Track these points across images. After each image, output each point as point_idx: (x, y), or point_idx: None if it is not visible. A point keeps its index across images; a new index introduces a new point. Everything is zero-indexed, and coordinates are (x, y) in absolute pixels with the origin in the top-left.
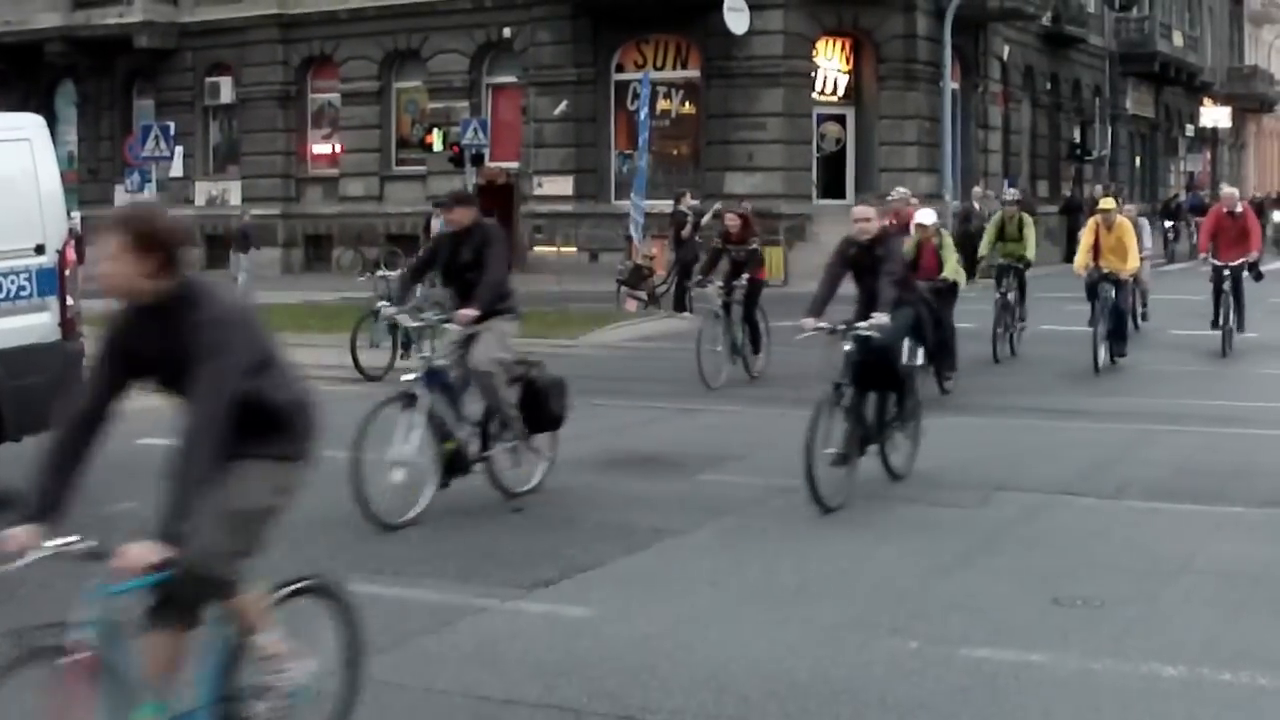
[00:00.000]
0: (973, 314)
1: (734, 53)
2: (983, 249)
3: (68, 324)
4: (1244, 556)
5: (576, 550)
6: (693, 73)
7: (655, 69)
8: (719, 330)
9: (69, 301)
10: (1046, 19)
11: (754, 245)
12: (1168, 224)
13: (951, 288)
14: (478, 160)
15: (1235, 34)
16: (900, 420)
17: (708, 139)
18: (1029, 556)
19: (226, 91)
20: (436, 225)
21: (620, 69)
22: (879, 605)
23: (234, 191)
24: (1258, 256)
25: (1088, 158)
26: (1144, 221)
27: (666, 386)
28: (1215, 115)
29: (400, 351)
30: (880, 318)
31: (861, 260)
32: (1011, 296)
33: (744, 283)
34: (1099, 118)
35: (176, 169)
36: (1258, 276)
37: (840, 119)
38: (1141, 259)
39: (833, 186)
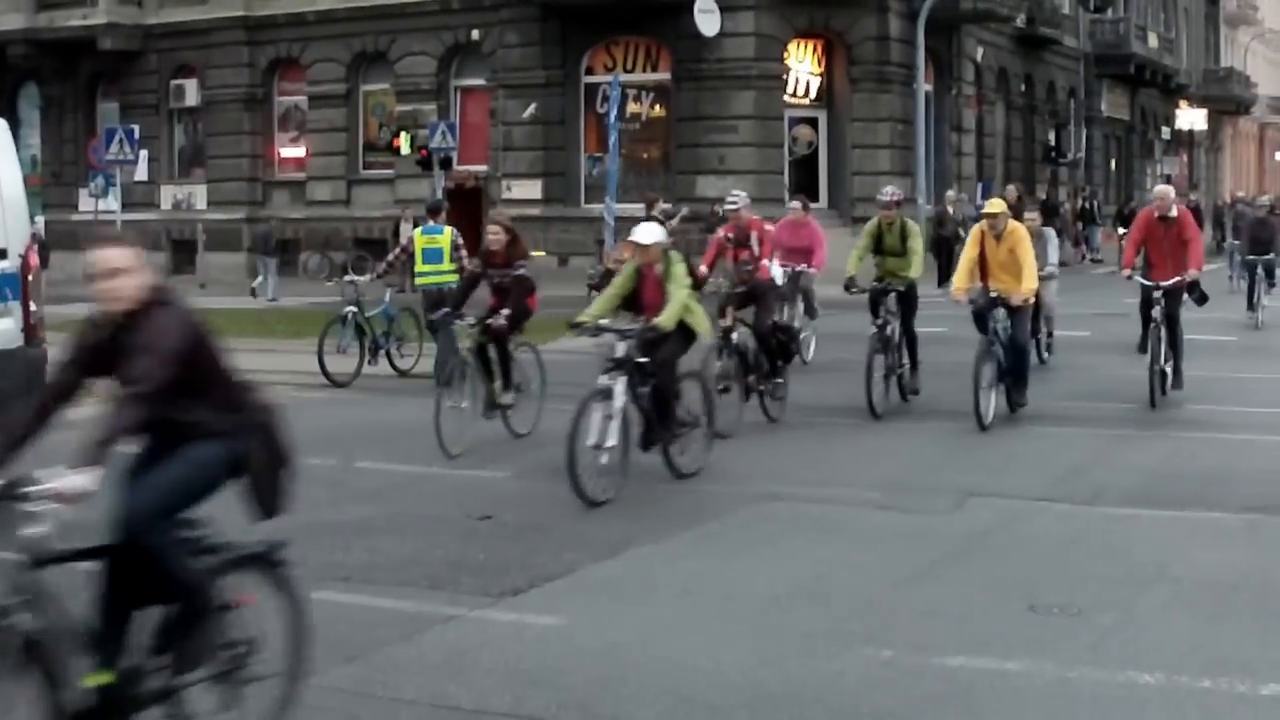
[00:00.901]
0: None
1: (705, 55)
2: (850, 265)
3: (31, 329)
4: (1221, 563)
5: (546, 559)
6: (663, 75)
7: (625, 71)
8: (463, 385)
9: (32, 307)
10: (1020, 20)
11: (520, 269)
12: (1121, 231)
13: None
14: (446, 163)
15: (1211, 36)
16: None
17: (678, 142)
18: (1004, 564)
19: (192, 94)
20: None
21: (590, 71)
22: (852, 614)
23: (199, 195)
24: (1197, 276)
25: (1062, 160)
26: (1049, 232)
27: None
28: (1191, 117)
29: (368, 357)
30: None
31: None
32: (892, 330)
33: (503, 319)
34: (1074, 120)
35: (141, 172)
36: (1200, 299)
37: (812, 122)
38: (1045, 277)
39: (805, 190)
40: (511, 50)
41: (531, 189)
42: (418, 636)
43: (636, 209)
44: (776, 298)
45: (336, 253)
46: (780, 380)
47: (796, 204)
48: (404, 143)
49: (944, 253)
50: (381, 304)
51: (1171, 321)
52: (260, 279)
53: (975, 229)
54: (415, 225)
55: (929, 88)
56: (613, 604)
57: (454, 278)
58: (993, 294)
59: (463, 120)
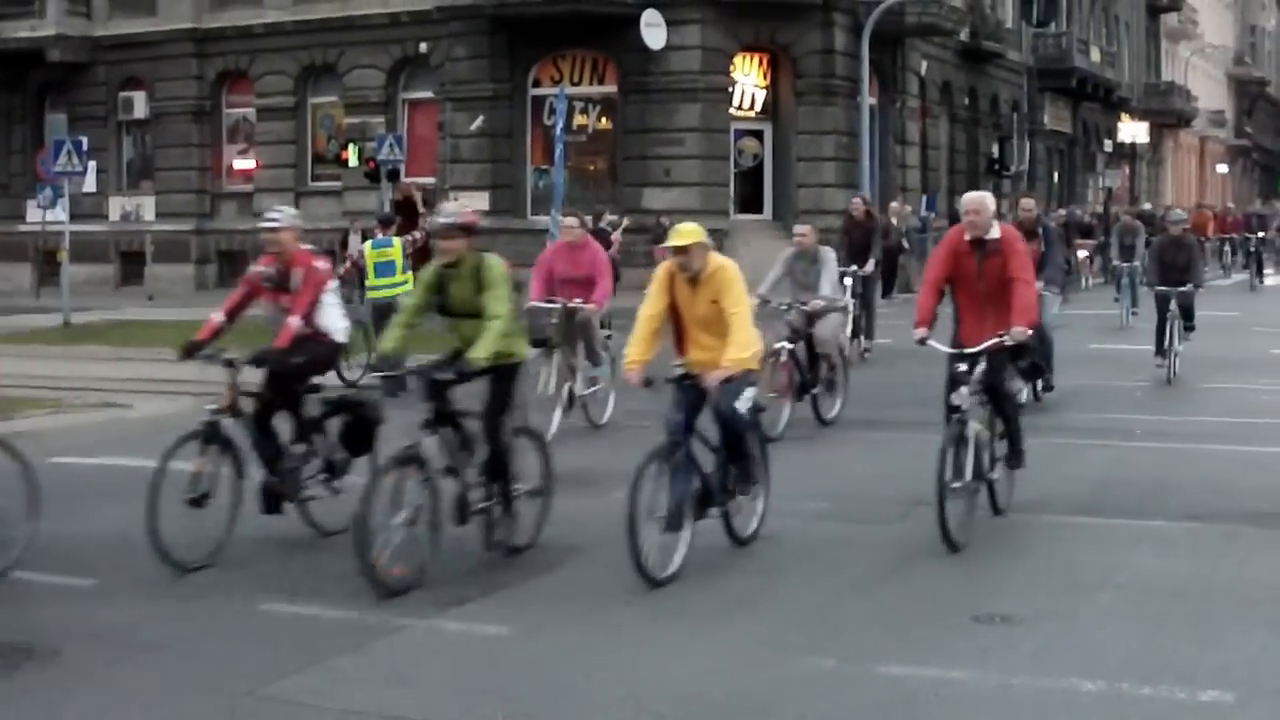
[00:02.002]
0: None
1: (651, 68)
2: (387, 340)
3: None
4: (1164, 571)
5: (494, 569)
6: (610, 88)
7: (572, 84)
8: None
9: None
10: (964, 34)
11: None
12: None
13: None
14: (393, 176)
15: (1152, 50)
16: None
17: (625, 154)
18: (948, 573)
19: (140, 106)
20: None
21: (537, 84)
22: (796, 623)
23: (148, 207)
24: (1024, 336)
25: (1006, 173)
26: (827, 252)
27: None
28: (1133, 130)
29: None
30: None
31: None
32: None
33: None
34: (1017, 133)
35: (89, 184)
36: (1030, 372)
37: (758, 134)
38: (825, 309)
39: (750, 202)
40: (459, 63)
41: (479, 201)
42: (367, 646)
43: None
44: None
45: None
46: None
47: (572, 220)
48: (352, 155)
49: (889, 265)
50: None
51: (996, 395)
52: None
53: (660, 271)
54: (364, 238)
55: (873, 101)
56: (561, 614)
57: (407, 288)
58: (679, 370)
59: (411, 133)
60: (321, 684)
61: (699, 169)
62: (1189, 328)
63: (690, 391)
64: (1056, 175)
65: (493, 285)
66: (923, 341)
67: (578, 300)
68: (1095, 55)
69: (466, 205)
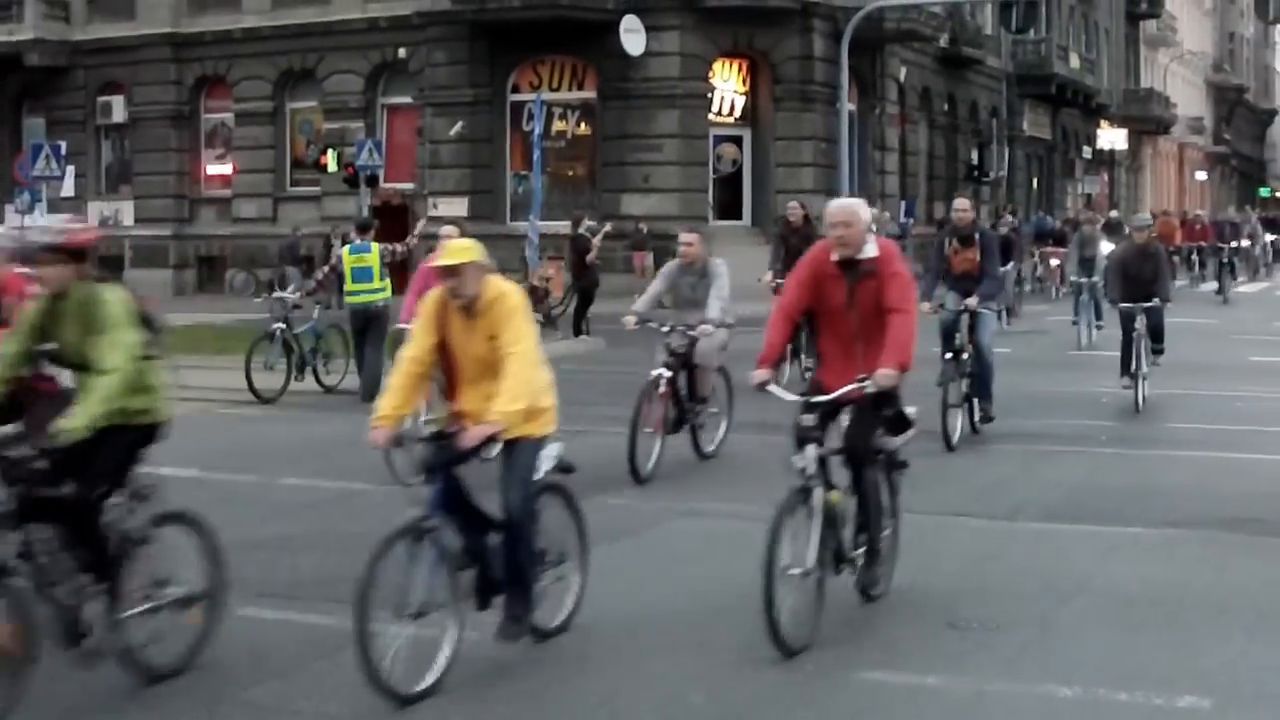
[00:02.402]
0: None
1: (630, 74)
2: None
3: None
4: (1140, 578)
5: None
6: (589, 94)
7: (551, 90)
8: None
9: None
10: (944, 41)
11: None
12: (1051, 249)
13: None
14: (372, 181)
15: (1131, 57)
16: None
17: (604, 160)
18: (924, 579)
19: (119, 110)
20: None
21: (516, 90)
22: None
23: (126, 212)
24: (891, 380)
25: (985, 179)
26: (719, 265)
27: (562, 408)
28: (1112, 137)
29: (295, 374)
30: None
31: None
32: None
33: None
34: (996, 139)
35: (68, 189)
36: (895, 425)
37: (737, 140)
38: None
39: (729, 208)
40: (439, 69)
41: (458, 207)
42: (343, 652)
43: (562, 226)
44: None
45: (262, 270)
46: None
47: (451, 229)
48: (331, 160)
49: None
50: (309, 321)
51: (857, 461)
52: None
53: (429, 299)
54: (344, 243)
55: (853, 107)
56: (536, 618)
57: (385, 295)
58: (431, 428)
59: (389, 138)
60: (299, 689)
61: (678, 175)
62: (1158, 350)
63: (447, 453)
64: (1035, 181)
65: (107, 328)
66: (762, 386)
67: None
68: (1074, 62)
69: (79, 220)
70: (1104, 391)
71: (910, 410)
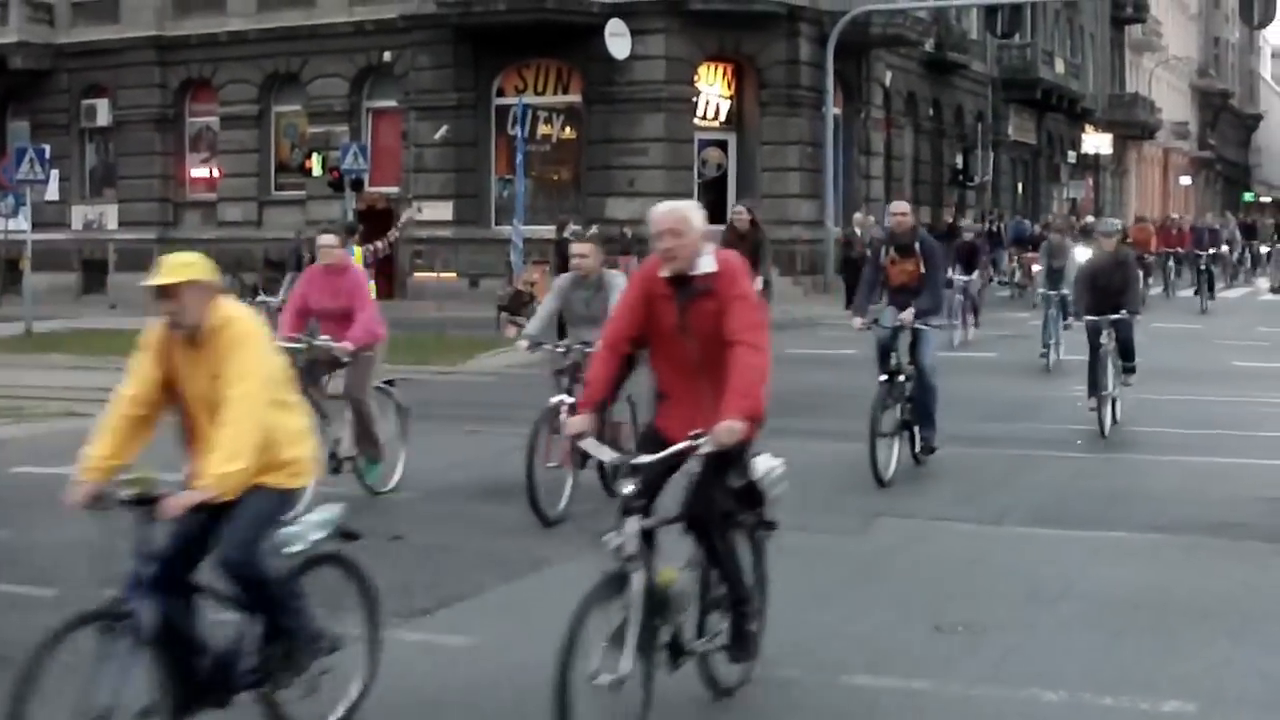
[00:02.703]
0: None
1: (615, 78)
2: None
3: None
4: (1125, 581)
5: (455, 579)
6: (574, 98)
7: (536, 94)
8: None
9: None
10: (929, 45)
11: None
12: (1030, 254)
13: None
14: (357, 185)
15: (1116, 61)
16: None
17: (589, 164)
18: (910, 583)
19: (103, 114)
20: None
21: (501, 94)
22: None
23: (110, 215)
24: (731, 436)
25: (970, 184)
26: (614, 278)
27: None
28: (1097, 142)
29: None
30: None
31: None
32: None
33: None
34: (981, 144)
35: (52, 192)
36: (747, 499)
37: (722, 144)
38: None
39: (714, 212)
40: (423, 72)
41: (443, 211)
42: (329, 657)
43: (547, 230)
44: None
45: (247, 274)
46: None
47: (330, 239)
48: (315, 164)
49: (850, 275)
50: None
51: (702, 532)
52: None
53: (152, 329)
54: None
55: (838, 111)
56: (521, 625)
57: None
58: (128, 490)
59: (374, 142)
60: (284, 694)
61: (663, 179)
62: (1129, 369)
63: (149, 520)
64: (1021, 186)
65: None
66: (578, 439)
67: (325, 338)
68: (1060, 67)
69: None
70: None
71: (772, 466)
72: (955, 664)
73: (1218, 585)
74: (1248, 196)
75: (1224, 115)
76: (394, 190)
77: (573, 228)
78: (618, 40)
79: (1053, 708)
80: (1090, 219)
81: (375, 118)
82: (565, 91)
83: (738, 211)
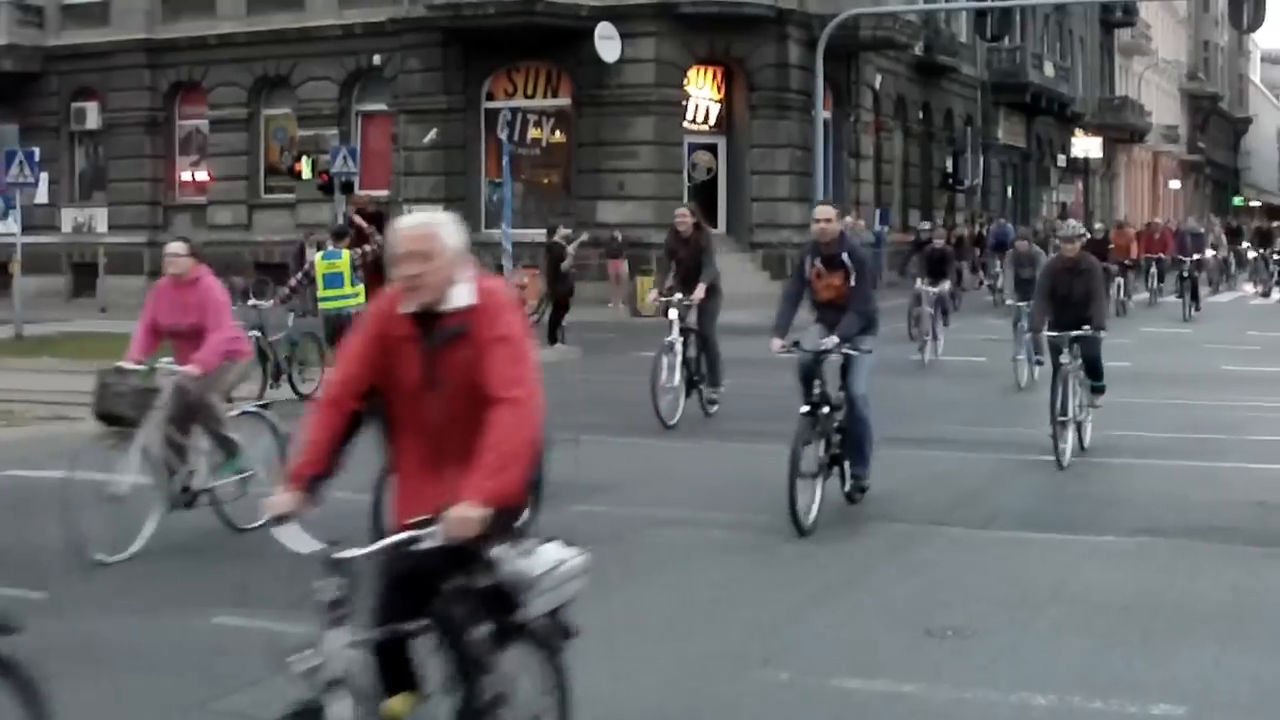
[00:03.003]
0: None
1: (605, 81)
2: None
3: None
4: (1114, 585)
5: None
6: (564, 101)
7: (526, 97)
8: None
9: None
10: (918, 49)
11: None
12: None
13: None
14: (347, 188)
15: (1106, 65)
16: None
17: (579, 167)
18: (900, 587)
19: (93, 117)
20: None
21: (491, 97)
22: (750, 637)
23: (100, 219)
24: (446, 534)
25: (960, 187)
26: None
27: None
28: (1086, 145)
29: (271, 381)
30: None
31: None
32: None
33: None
34: (971, 147)
35: (41, 195)
36: (503, 638)
37: (712, 148)
38: None
39: (705, 216)
40: (413, 75)
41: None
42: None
43: (537, 234)
44: None
45: (237, 277)
46: None
47: (178, 247)
48: (305, 167)
49: None
50: (284, 329)
51: (458, 650)
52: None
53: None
54: (319, 250)
55: (828, 114)
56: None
57: (356, 301)
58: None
59: (364, 145)
60: (274, 697)
61: (653, 182)
62: (1097, 389)
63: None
64: (1010, 190)
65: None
66: (279, 521)
67: (165, 361)
68: (1049, 70)
69: None
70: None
71: (561, 558)
72: (945, 668)
73: (1207, 589)
74: (1236, 200)
75: (1213, 119)
76: (384, 193)
77: (563, 231)
78: (607, 43)
79: (1042, 711)
80: (1071, 222)
81: (365, 121)
82: (555, 95)
83: (680, 214)
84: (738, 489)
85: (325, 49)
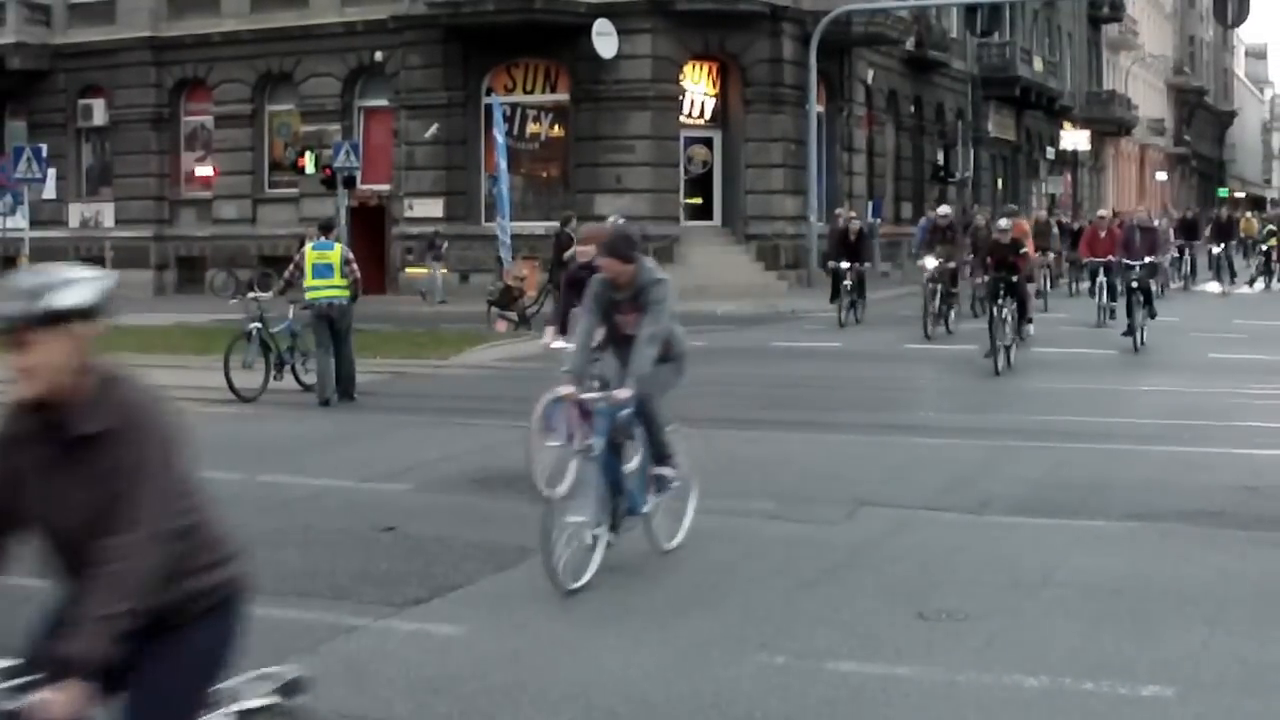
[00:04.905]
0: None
1: (603, 76)
2: None
3: None
4: (1104, 569)
5: (447, 569)
6: (562, 96)
7: (525, 93)
8: None
9: None
10: (910, 44)
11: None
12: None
13: None
14: (349, 183)
15: (1094, 59)
16: None
17: (577, 162)
18: (894, 571)
19: (99, 113)
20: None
21: (490, 93)
22: (745, 620)
23: (107, 214)
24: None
25: (951, 180)
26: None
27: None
28: (1075, 138)
29: (274, 373)
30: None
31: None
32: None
33: None
34: (961, 140)
35: (49, 191)
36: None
37: (707, 142)
38: None
39: (700, 209)
40: (414, 72)
41: (433, 208)
42: (321, 647)
43: (535, 226)
44: None
45: (242, 270)
46: None
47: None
48: (309, 162)
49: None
50: (285, 320)
51: None
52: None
53: None
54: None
55: (821, 109)
56: (513, 613)
57: (344, 293)
58: None
59: (366, 140)
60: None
61: (650, 176)
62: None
63: None
64: (1001, 182)
65: None
66: None
67: None
68: (1038, 65)
69: None
70: (1061, 389)
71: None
72: (939, 650)
73: (1195, 572)
74: (1222, 192)
75: (1199, 112)
76: (385, 188)
77: (575, 223)
78: (604, 40)
79: (1034, 693)
80: (1042, 214)
81: (367, 116)
82: (553, 90)
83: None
84: (739, 476)
85: (328, 46)
